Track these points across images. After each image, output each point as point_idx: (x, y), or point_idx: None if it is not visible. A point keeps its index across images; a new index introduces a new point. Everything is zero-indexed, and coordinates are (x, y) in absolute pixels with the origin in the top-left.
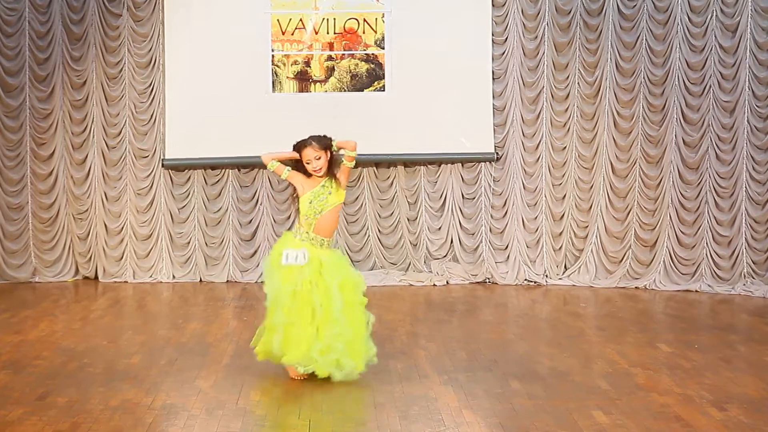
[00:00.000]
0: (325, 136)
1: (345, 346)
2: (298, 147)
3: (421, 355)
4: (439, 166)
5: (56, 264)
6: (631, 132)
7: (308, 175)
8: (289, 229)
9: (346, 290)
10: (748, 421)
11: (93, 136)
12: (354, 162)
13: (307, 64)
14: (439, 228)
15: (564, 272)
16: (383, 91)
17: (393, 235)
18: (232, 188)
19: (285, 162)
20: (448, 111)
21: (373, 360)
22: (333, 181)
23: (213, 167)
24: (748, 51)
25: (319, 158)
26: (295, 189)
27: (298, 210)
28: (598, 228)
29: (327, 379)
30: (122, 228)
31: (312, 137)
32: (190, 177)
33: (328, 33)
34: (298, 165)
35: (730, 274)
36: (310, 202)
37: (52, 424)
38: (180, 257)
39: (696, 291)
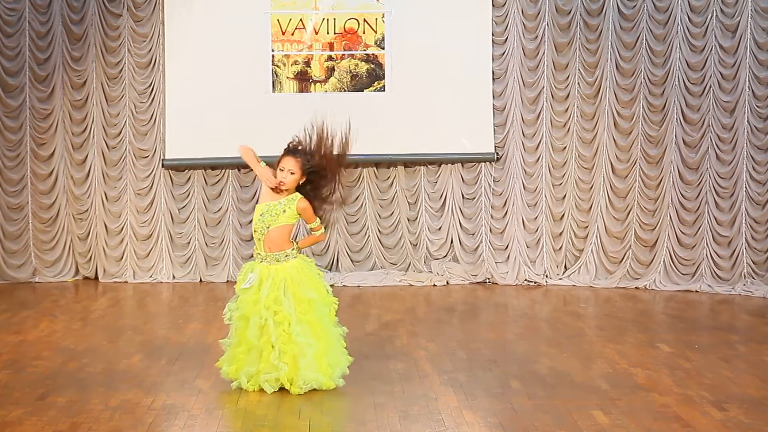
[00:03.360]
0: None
1: (300, 363)
2: (286, 149)
3: (421, 355)
4: (439, 166)
5: (56, 264)
6: (631, 132)
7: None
8: None
9: (300, 310)
10: (748, 421)
11: (93, 137)
12: (319, 231)
13: (307, 64)
14: (439, 228)
15: (564, 272)
16: (383, 91)
17: (393, 235)
18: (232, 188)
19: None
20: (449, 111)
21: (345, 371)
22: (294, 204)
23: (213, 167)
24: (748, 51)
25: (293, 174)
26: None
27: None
28: (598, 228)
29: None
30: (122, 228)
31: (304, 152)
32: (190, 177)
33: (328, 33)
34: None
35: (730, 275)
36: (261, 215)
37: (51, 424)
38: (180, 257)
39: (696, 291)
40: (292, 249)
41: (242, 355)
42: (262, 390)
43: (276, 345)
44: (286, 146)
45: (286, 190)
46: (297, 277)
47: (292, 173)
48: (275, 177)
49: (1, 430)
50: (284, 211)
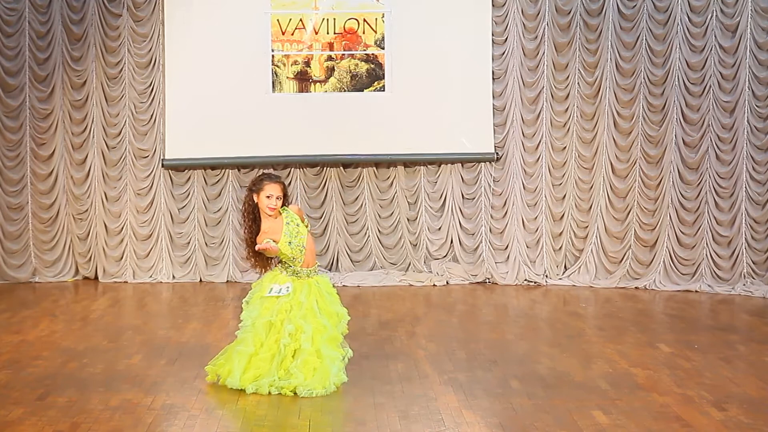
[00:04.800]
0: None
1: (306, 372)
2: (260, 181)
3: (421, 355)
4: (439, 166)
5: (56, 264)
6: (631, 132)
7: (258, 218)
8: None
9: (330, 323)
10: (748, 421)
11: (93, 136)
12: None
13: (307, 64)
14: (439, 228)
15: (564, 272)
16: (383, 91)
17: (393, 235)
18: (232, 188)
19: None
20: (448, 111)
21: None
22: (287, 212)
23: (213, 167)
24: (748, 51)
25: (280, 198)
26: (249, 246)
27: (259, 263)
28: (598, 228)
29: None
30: (122, 228)
31: (274, 175)
32: (190, 177)
33: (328, 33)
34: (251, 213)
35: (730, 275)
36: (289, 243)
37: (51, 424)
38: (180, 257)
39: (696, 291)
40: (317, 264)
41: (265, 363)
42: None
43: (301, 355)
44: (262, 175)
45: (276, 212)
46: (324, 292)
47: (278, 198)
48: (264, 208)
49: (1, 430)
50: (297, 225)
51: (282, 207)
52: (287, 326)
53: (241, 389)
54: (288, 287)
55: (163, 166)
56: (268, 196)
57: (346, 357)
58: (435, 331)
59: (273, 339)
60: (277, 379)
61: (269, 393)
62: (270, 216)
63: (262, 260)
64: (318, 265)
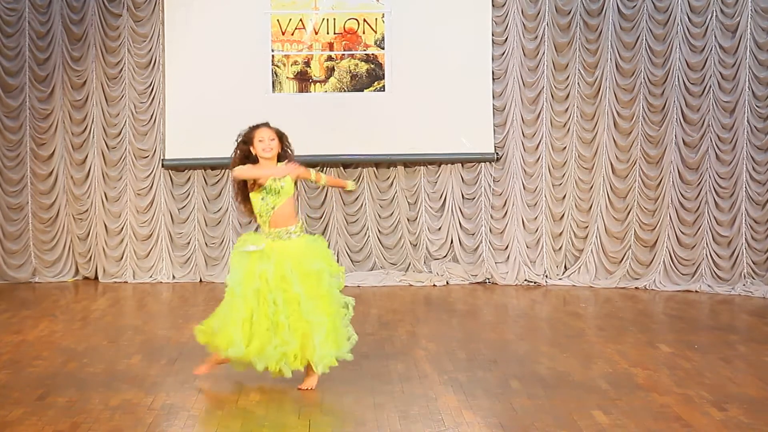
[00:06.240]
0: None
1: (315, 341)
2: (249, 130)
3: (421, 355)
4: (439, 166)
5: (56, 264)
6: (631, 132)
7: (256, 161)
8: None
9: (308, 284)
10: (748, 421)
11: (93, 137)
12: (320, 182)
13: (307, 64)
14: (439, 228)
15: (564, 272)
16: (383, 91)
17: (393, 235)
18: (232, 188)
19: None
20: (448, 111)
21: (346, 356)
22: (286, 174)
23: (213, 167)
24: (748, 51)
25: (273, 139)
26: (239, 189)
27: (249, 209)
28: (598, 228)
29: (326, 379)
30: (122, 228)
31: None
32: (190, 177)
33: (328, 33)
34: (245, 160)
35: (730, 275)
36: (262, 199)
37: (51, 424)
38: (180, 257)
39: (696, 291)
40: (295, 226)
41: (266, 332)
42: (262, 389)
43: (287, 323)
44: (245, 132)
45: (274, 158)
46: (301, 252)
47: (272, 139)
48: (261, 153)
49: (1, 430)
50: (282, 185)
51: (279, 164)
52: (268, 296)
53: (248, 365)
54: (263, 246)
55: (163, 166)
56: (260, 140)
57: (350, 307)
58: (435, 331)
59: (263, 312)
60: (279, 344)
61: (279, 370)
62: (268, 159)
63: (250, 207)
64: (296, 227)
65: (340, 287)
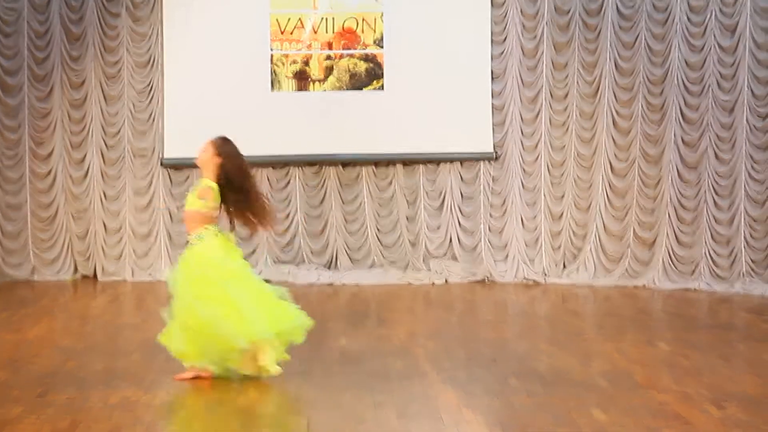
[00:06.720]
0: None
1: (221, 331)
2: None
3: (421, 353)
4: (438, 164)
5: (55, 262)
6: (630, 131)
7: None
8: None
9: (197, 287)
10: (747, 419)
11: (92, 135)
12: (204, 199)
13: (306, 63)
14: (438, 227)
15: (563, 271)
16: (382, 90)
17: (392, 233)
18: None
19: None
20: (447, 110)
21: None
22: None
23: None
24: (747, 50)
25: (205, 151)
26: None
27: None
28: (597, 227)
29: (326, 378)
30: (121, 227)
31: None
32: (188, 176)
33: (327, 32)
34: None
35: (729, 273)
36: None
37: (51, 422)
38: (178, 256)
39: (695, 289)
40: (199, 233)
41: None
42: (262, 389)
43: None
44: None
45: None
46: (195, 259)
47: (204, 150)
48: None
49: (1, 428)
50: (191, 192)
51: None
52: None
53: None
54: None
55: (162, 165)
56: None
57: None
58: (434, 329)
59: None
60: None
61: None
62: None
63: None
64: (206, 231)
65: (245, 283)
